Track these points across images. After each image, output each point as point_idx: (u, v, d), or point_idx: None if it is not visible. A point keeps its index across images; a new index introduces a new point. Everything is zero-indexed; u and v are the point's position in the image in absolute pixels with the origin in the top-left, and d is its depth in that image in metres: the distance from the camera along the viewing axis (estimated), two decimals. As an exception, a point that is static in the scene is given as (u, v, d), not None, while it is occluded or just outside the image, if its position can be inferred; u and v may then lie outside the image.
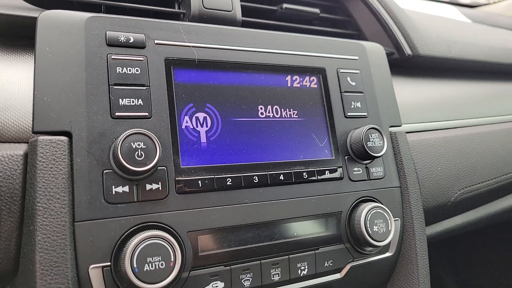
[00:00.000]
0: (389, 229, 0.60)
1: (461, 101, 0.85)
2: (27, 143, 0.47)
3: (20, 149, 0.46)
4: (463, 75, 0.91)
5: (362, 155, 0.61)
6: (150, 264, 0.44)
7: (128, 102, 0.50)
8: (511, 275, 1.72)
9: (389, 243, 0.63)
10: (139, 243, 0.44)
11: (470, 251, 1.91)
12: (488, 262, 1.83)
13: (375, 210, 0.59)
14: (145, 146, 0.46)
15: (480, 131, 0.81)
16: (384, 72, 0.71)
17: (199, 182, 0.51)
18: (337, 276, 0.60)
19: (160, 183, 0.49)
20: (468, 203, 0.79)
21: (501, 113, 0.87)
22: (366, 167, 0.63)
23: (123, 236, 0.46)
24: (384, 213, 0.60)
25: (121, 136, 0.45)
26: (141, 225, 0.47)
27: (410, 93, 0.80)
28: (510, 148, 0.82)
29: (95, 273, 0.45)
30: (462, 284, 1.92)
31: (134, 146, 0.46)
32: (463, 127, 0.80)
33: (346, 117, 0.64)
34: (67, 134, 0.47)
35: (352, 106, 0.65)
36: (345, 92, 0.65)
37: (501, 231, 1.73)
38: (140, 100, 0.50)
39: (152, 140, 0.47)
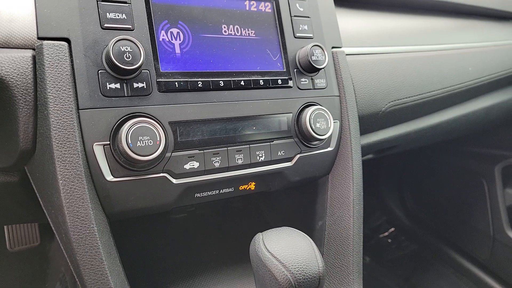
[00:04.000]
0: (329, 126, 0.75)
1: (396, 32, 1.01)
2: (33, 49, 0.57)
3: (28, 53, 0.56)
4: (400, 10, 1.06)
5: (308, 68, 0.76)
6: (141, 142, 0.57)
7: (114, 16, 0.60)
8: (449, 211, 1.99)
9: (330, 139, 0.80)
10: (132, 126, 0.57)
11: (415, 183, 2.17)
12: (430, 196, 2.10)
13: (318, 111, 0.75)
14: (131, 50, 0.58)
15: (409, 56, 0.97)
16: (328, 1, 0.85)
17: (176, 83, 0.64)
18: (288, 164, 0.76)
19: (144, 82, 0.61)
20: (397, 115, 0.96)
21: (428, 43, 1.04)
22: (312, 79, 0.78)
23: (118, 122, 0.58)
24: (325, 114, 0.75)
25: (112, 40, 0.57)
26: (131, 114, 0.60)
27: (353, 23, 0.95)
28: (433, 70, 1.00)
29: (98, 149, 0.57)
30: (411, 217, 2.19)
31: (123, 49, 0.57)
32: (396, 52, 0.96)
33: (295, 37, 0.77)
34: (66, 40, 0.57)
35: (300, 28, 0.78)
36: (295, 16, 0.78)
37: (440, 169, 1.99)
38: (124, 14, 0.61)
39: (137, 45, 0.58)
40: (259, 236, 0.60)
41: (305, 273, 0.54)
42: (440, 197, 2.02)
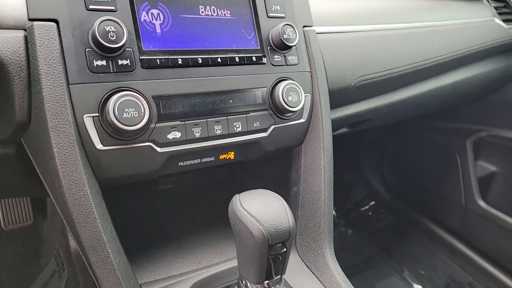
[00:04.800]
0: (300, 99, 0.82)
1: (366, 12, 1.07)
2: (24, 29, 0.62)
3: (20, 33, 0.62)
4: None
5: (280, 45, 0.82)
6: (127, 113, 0.63)
7: None
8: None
9: (302, 111, 0.87)
10: (118, 99, 0.63)
11: (394, 160, 2.27)
12: (408, 171, 2.20)
13: (290, 86, 0.81)
14: (115, 30, 0.63)
15: (378, 34, 1.04)
16: (300, -18, 0.91)
17: (157, 60, 0.70)
18: (264, 134, 0.83)
19: (128, 59, 0.67)
20: (366, 90, 1.03)
21: (396, 22, 1.11)
22: (284, 56, 0.84)
23: (106, 95, 0.64)
24: (297, 88, 0.82)
25: (97, 20, 0.62)
26: (117, 89, 0.66)
27: (324, 4, 1.01)
28: (400, 48, 1.07)
29: (88, 120, 0.63)
30: (390, 191, 2.30)
31: (107, 29, 0.63)
32: (364, 31, 1.03)
33: (268, 17, 0.83)
34: (55, 21, 0.63)
35: (273, 9, 0.84)
36: (268, -3, 0.84)
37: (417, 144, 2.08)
38: None
39: (120, 25, 0.64)
40: (236, 197, 0.67)
41: (276, 227, 0.61)
42: (417, 172, 2.13)
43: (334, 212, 2.38)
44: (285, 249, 0.65)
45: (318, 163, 0.89)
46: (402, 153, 2.22)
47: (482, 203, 1.79)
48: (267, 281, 0.67)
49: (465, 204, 1.86)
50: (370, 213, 2.31)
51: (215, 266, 0.82)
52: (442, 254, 1.98)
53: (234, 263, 0.74)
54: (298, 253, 0.89)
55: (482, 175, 1.82)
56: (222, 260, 0.85)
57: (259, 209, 0.63)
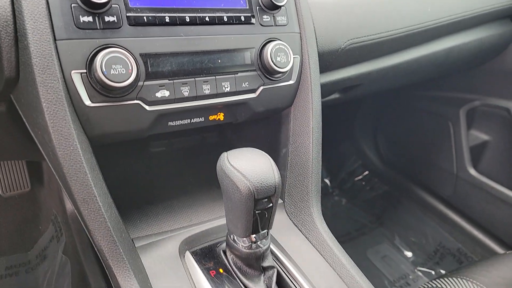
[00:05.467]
0: (289, 60, 0.83)
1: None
2: None
3: None
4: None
5: (269, 5, 0.82)
6: (114, 70, 0.64)
7: None
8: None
9: (291, 73, 0.87)
10: (106, 55, 0.64)
11: (388, 130, 2.29)
12: (402, 141, 2.22)
13: (278, 46, 0.82)
14: None
15: (368, -4, 1.04)
16: None
17: (144, 17, 0.70)
18: (252, 95, 0.84)
19: (115, 16, 0.67)
20: (357, 53, 1.04)
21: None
22: (273, 16, 0.84)
23: (93, 52, 0.65)
24: (285, 48, 0.82)
25: None
26: (105, 45, 0.66)
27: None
28: (392, 11, 1.06)
29: (76, 76, 0.64)
30: (384, 160, 2.33)
31: None
32: (356, -6, 1.02)
33: None
34: None
35: (262, -32, 0.83)
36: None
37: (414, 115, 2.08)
38: None
39: None
40: (224, 154, 0.68)
41: (262, 182, 0.63)
42: (410, 141, 2.15)
43: (328, 182, 2.42)
44: (271, 204, 0.67)
45: (307, 125, 0.90)
46: (396, 123, 2.23)
47: (473, 171, 1.82)
48: (254, 235, 0.70)
49: (457, 172, 1.89)
50: (363, 183, 2.35)
51: (205, 223, 0.85)
52: (433, 221, 2.03)
53: (223, 221, 0.77)
54: (286, 213, 0.92)
55: (474, 144, 1.84)
56: (212, 218, 0.87)
57: (246, 165, 0.64)
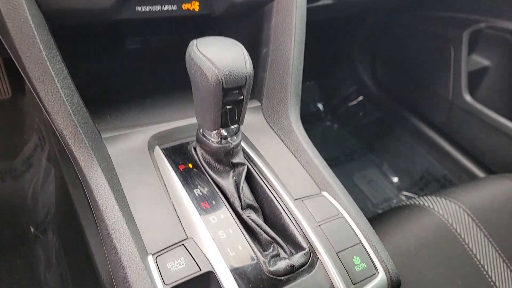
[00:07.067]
0: None
1: None
2: None
3: None
4: None
5: None
6: None
7: None
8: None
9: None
10: None
11: (387, 54, 2.19)
12: (400, 65, 2.13)
13: None
14: None
15: None
16: None
17: None
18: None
19: None
20: None
21: None
22: None
23: None
24: None
25: None
26: None
27: None
28: None
29: None
30: (379, 86, 2.26)
31: None
32: None
33: None
34: None
35: None
36: None
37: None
38: None
39: None
40: (193, 41, 0.63)
41: (232, 70, 0.58)
42: (408, 66, 2.07)
43: (321, 107, 2.38)
44: (241, 97, 0.63)
45: (290, 21, 0.83)
46: (396, 46, 2.13)
47: (468, 97, 1.77)
48: (223, 130, 0.67)
49: (452, 98, 1.84)
50: (357, 109, 2.30)
51: (177, 121, 0.82)
52: (422, 148, 2.02)
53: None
54: (264, 116, 0.89)
55: (473, 70, 1.77)
56: (186, 117, 0.84)
57: (215, 52, 0.59)
